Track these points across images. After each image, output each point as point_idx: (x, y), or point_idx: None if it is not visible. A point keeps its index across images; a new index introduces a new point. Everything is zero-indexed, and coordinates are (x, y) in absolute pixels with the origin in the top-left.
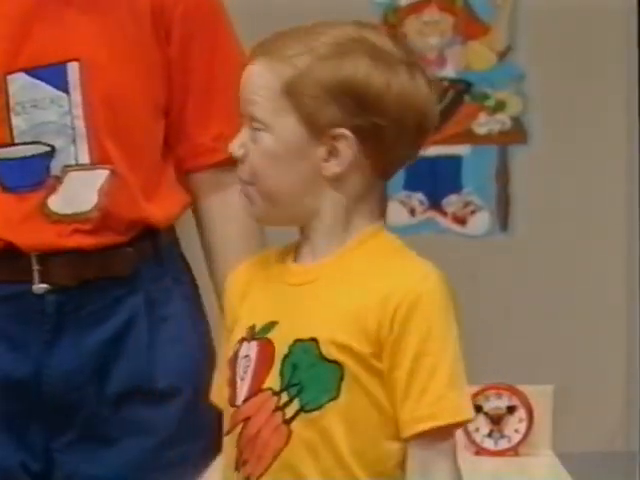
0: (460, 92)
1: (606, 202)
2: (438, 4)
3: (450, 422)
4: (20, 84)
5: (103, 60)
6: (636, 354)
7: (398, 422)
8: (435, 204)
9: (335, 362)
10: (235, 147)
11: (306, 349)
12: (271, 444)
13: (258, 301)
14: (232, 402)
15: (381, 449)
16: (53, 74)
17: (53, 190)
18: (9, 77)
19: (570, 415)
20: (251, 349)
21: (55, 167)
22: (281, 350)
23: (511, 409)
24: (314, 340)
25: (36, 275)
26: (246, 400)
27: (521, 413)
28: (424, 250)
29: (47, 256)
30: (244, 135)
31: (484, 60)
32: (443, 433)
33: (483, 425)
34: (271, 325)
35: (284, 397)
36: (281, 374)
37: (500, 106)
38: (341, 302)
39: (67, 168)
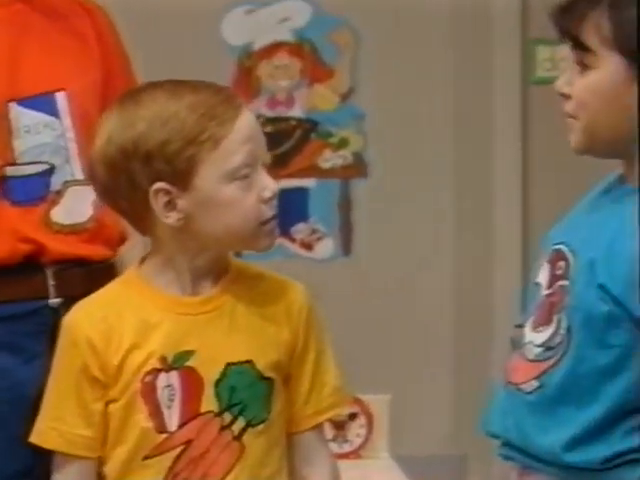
0: (307, 130)
1: (435, 228)
2: (288, 49)
3: (345, 407)
4: (17, 111)
5: (79, 89)
6: (463, 365)
7: (300, 415)
8: (284, 232)
9: (269, 379)
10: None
11: (242, 371)
12: (222, 461)
13: (158, 334)
14: (161, 429)
15: (285, 447)
16: (43, 102)
17: (55, 203)
18: (9, 104)
19: (405, 421)
20: (172, 378)
21: (55, 183)
22: (211, 375)
23: (353, 416)
24: (249, 362)
25: (52, 290)
26: (182, 425)
27: (362, 420)
28: None
29: (60, 271)
30: None
31: (328, 101)
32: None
33: (328, 430)
34: (187, 354)
35: (227, 417)
36: (217, 397)
37: (343, 143)
38: (257, 323)
39: (67, 183)
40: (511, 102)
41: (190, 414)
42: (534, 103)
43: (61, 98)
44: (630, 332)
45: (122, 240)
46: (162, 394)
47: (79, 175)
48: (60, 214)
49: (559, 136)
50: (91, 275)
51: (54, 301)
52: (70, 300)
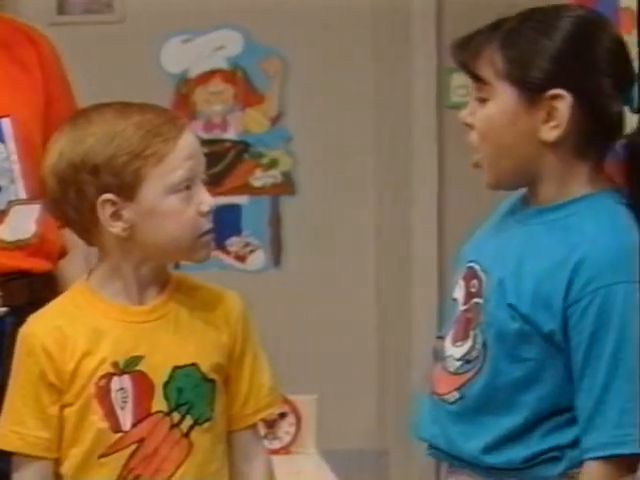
0: (240, 152)
1: (358, 242)
2: (222, 76)
3: (279, 406)
4: None
5: (23, 115)
6: (384, 367)
7: (240, 414)
8: (219, 245)
9: (212, 380)
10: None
11: (188, 373)
12: (172, 457)
13: (109, 341)
14: (116, 429)
15: (226, 444)
16: None
17: (0, 222)
18: None
19: (331, 419)
20: (124, 382)
21: (0, 202)
22: (159, 378)
23: (282, 415)
24: (194, 365)
25: None
26: (135, 425)
27: (291, 418)
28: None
29: (5, 282)
30: None
31: (259, 124)
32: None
33: (260, 428)
34: (137, 359)
35: (176, 416)
36: (166, 398)
37: (273, 163)
38: (199, 330)
39: (11, 203)
40: (428, 125)
41: (142, 414)
42: (449, 125)
43: (6, 124)
44: (541, 346)
45: (62, 254)
46: (116, 396)
47: (22, 195)
48: (5, 232)
49: (472, 155)
50: (33, 286)
51: (1, 310)
52: (14, 309)
